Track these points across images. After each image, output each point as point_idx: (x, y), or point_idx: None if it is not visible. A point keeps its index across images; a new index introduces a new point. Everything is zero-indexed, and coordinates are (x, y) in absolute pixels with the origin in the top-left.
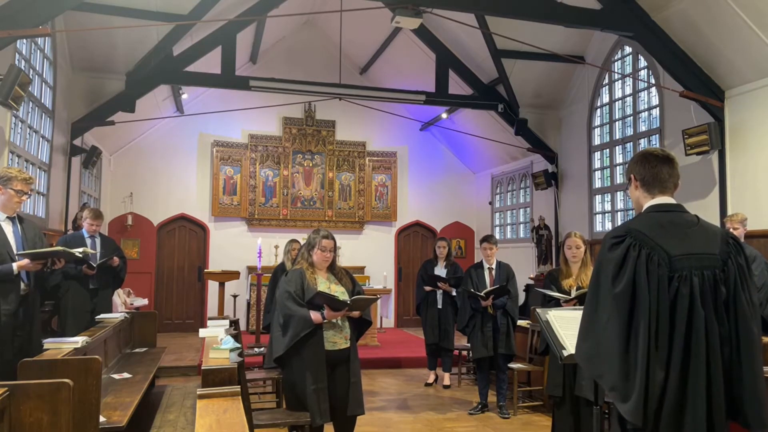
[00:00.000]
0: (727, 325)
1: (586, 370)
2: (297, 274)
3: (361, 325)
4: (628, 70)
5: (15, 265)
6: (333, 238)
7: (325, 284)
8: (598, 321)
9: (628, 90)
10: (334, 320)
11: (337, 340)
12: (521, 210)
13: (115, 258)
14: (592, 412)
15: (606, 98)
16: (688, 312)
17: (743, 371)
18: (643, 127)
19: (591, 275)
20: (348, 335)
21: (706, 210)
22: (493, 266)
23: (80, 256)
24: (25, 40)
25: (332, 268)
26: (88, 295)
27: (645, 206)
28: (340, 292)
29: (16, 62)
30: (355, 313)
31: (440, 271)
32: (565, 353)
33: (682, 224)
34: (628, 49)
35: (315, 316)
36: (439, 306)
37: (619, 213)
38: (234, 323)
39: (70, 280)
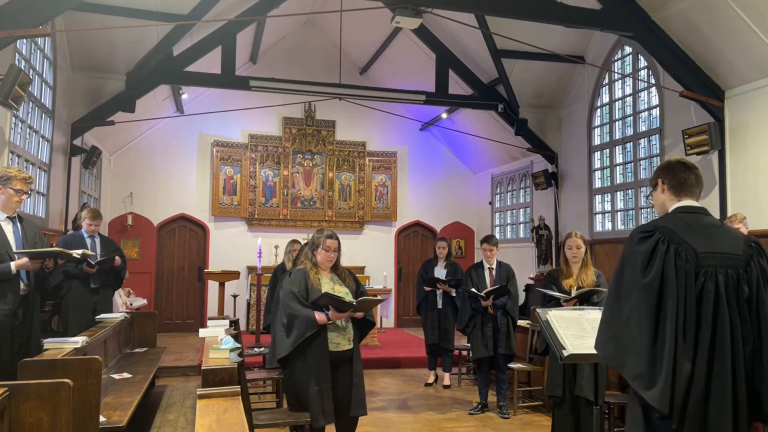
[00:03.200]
0: (749, 323)
1: (606, 358)
2: (300, 274)
3: (364, 326)
4: (628, 70)
5: (13, 265)
6: (337, 238)
7: (328, 285)
8: (620, 312)
9: (628, 90)
10: (338, 321)
11: (340, 341)
12: (521, 210)
13: (116, 258)
14: (592, 412)
15: (606, 98)
16: (714, 307)
17: (764, 369)
18: (643, 127)
19: (615, 268)
20: (351, 336)
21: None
22: (494, 266)
23: (78, 256)
24: (25, 40)
25: (336, 269)
26: (89, 294)
27: (671, 208)
28: (344, 292)
29: (16, 62)
30: (359, 314)
31: (440, 271)
32: (565, 353)
33: (707, 225)
34: (628, 49)
35: (320, 317)
36: (439, 306)
37: (619, 213)
38: (234, 323)
39: (72, 280)
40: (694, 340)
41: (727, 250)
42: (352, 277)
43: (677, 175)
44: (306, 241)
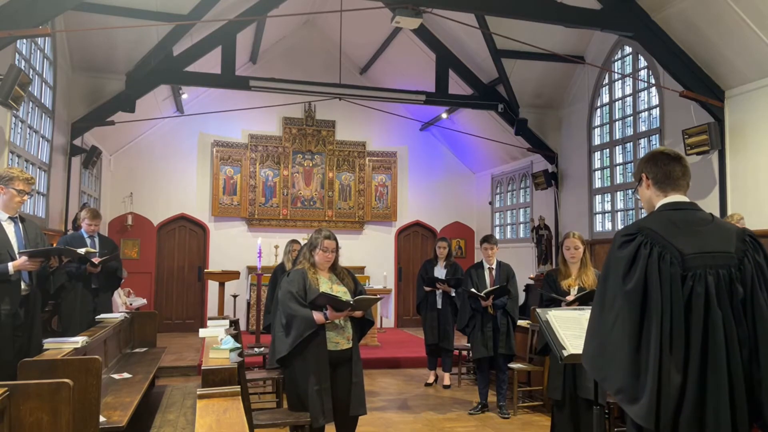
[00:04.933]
0: (745, 326)
1: (590, 371)
2: (299, 274)
3: (363, 326)
4: (628, 70)
5: (10, 265)
6: (335, 239)
7: (327, 284)
8: (604, 322)
9: (628, 90)
10: (336, 321)
11: (339, 340)
12: (521, 210)
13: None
14: (592, 414)
15: (606, 98)
16: (704, 312)
17: (763, 374)
18: (643, 127)
19: (600, 275)
20: (350, 335)
21: (706, 210)
22: (494, 266)
23: (82, 254)
24: (25, 40)
25: (334, 269)
26: (89, 294)
27: (657, 205)
28: (342, 292)
29: (16, 62)
30: (358, 313)
31: (440, 271)
32: (565, 353)
33: (695, 222)
34: (628, 49)
35: (318, 316)
36: (439, 306)
37: (619, 213)
38: (234, 323)
39: (73, 281)
40: (684, 349)
41: (718, 248)
42: (351, 276)
43: (661, 168)
44: (306, 241)
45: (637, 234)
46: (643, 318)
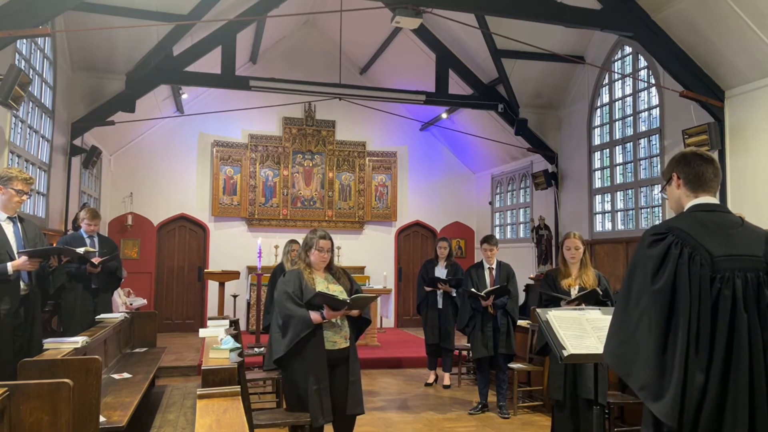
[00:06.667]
0: None
1: (613, 367)
2: (295, 274)
3: (360, 324)
4: (628, 70)
5: (9, 266)
6: (330, 238)
7: (323, 284)
8: (629, 318)
9: (628, 90)
10: (333, 320)
11: (336, 339)
12: (521, 210)
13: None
14: (592, 415)
15: (606, 98)
16: (730, 315)
17: None
18: (643, 127)
19: (625, 272)
20: (347, 334)
21: None
22: (494, 266)
23: (82, 253)
24: (25, 40)
25: (330, 268)
26: (89, 295)
27: (687, 206)
28: (338, 291)
29: (16, 62)
30: (355, 312)
31: (440, 271)
32: (565, 353)
33: (725, 225)
34: (628, 49)
35: (314, 316)
36: (440, 306)
37: (619, 213)
38: (234, 323)
39: (73, 280)
40: (708, 350)
41: (747, 251)
42: (347, 275)
43: (694, 169)
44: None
45: (668, 234)
46: (670, 317)
